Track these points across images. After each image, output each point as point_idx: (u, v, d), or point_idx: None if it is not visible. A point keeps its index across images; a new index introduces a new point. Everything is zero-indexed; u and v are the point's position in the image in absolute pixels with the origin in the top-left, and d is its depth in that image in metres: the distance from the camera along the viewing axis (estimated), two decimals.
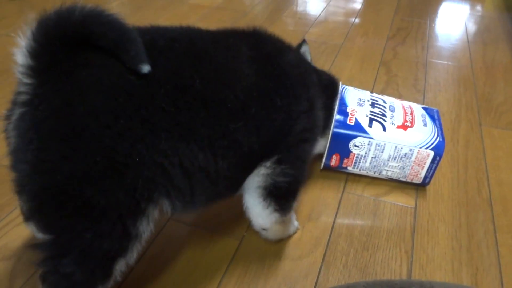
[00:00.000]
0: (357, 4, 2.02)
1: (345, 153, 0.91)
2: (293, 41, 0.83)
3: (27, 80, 0.50)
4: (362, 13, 1.93)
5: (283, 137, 0.68)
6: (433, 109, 1.00)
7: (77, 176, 0.50)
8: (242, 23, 1.09)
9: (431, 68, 1.48)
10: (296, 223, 0.83)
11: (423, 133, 0.90)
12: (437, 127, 0.93)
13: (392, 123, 0.91)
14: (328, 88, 0.87)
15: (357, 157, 0.92)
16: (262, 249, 0.80)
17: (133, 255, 0.59)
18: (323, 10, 1.91)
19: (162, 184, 0.56)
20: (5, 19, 1.66)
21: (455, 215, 0.89)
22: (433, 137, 0.89)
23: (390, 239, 0.83)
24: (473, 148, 1.09)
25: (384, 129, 0.89)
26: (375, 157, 0.91)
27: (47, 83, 0.51)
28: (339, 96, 0.90)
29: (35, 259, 0.55)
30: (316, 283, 0.74)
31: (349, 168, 0.95)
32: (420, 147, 0.89)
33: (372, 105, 0.94)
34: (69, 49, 0.51)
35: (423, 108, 1.00)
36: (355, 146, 0.90)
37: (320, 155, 0.93)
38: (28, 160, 0.50)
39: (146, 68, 0.53)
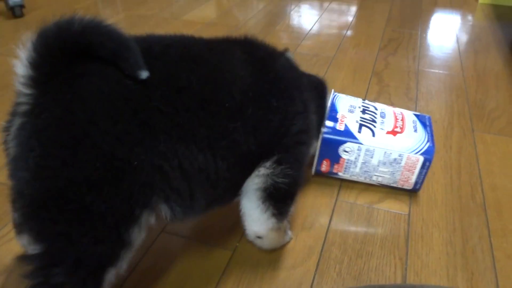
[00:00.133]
0: (349, 17, 2.05)
1: (335, 158, 0.92)
2: None
3: (27, 91, 0.51)
4: (354, 25, 1.95)
5: (280, 138, 0.69)
6: (425, 116, 1.01)
7: (78, 181, 0.51)
8: None
9: (423, 77, 1.49)
10: (289, 232, 0.83)
11: (413, 139, 0.90)
12: (428, 133, 0.93)
13: (382, 129, 0.91)
14: (317, 90, 0.88)
15: (347, 162, 0.92)
16: (255, 259, 0.79)
17: (123, 263, 0.58)
18: (315, 23, 1.94)
19: (161, 188, 0.57)
20: (1, 38, 1.68)
21: (449, 220, 0.89)
22: (422, 142, 0.90)
23: (384, 246, 0.83)
24: (466, 154, 1.09)
25: (374, 135, 0.90)
26: (365, 162, 0.91)
27: (48, 93, 0.51)
28: (329, 102, 0.91)
29: (24, 271, 0.54)
30: None
31: (340, 173, 0.95)
32: (410, 152, 0.89)
33: (363, 111, 0.95)
34: (69, 59, 0.52)
35: (415, 115, 1.00)
36: (345, 151, 0.90)
37: (311, 161, 0.93)
38: (29, 167, 0.50)
39: (144, 74, 0.54)
